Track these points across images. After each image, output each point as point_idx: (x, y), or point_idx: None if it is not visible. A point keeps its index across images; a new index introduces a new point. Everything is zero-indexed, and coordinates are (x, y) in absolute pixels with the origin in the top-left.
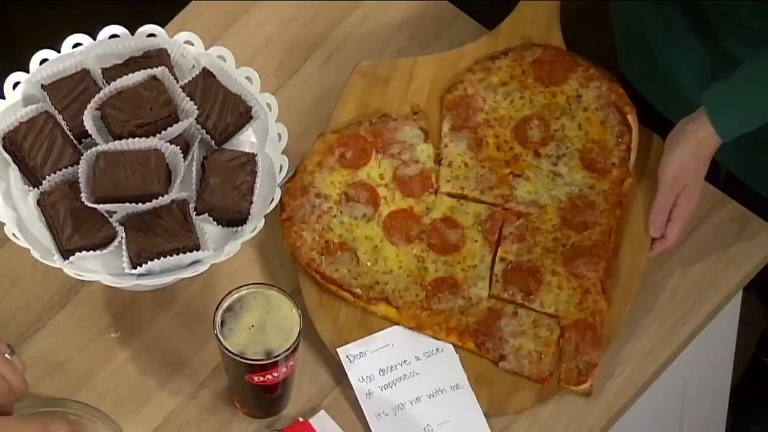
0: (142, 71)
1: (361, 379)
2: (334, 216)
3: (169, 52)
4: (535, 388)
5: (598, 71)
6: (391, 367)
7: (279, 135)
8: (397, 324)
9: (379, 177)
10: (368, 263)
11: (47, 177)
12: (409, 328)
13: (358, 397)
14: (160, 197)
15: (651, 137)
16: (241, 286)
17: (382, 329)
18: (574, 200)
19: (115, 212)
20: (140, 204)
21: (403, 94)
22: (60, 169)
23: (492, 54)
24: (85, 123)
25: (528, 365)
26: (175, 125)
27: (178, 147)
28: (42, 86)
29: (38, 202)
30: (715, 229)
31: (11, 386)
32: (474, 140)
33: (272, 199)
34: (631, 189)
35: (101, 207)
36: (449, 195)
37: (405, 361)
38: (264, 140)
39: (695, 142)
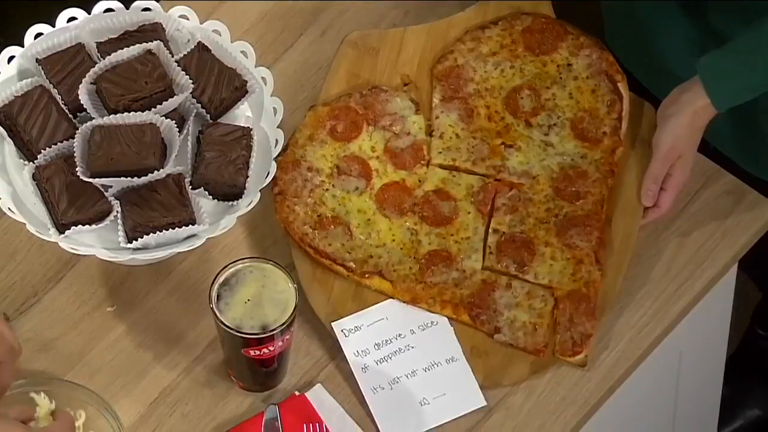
0: (137, 45)
1: (356, 353)
2: (327, 189)
3: (164, 26)
4: (530, 360)
5: (589, 39)
6: (386, 341)
7: (274, 109)
8: (392, 297)
9: (370, 149)
10: (361, 237)
11: (42, 151)
12: (404, 302)
13: (354, 372)
14: (156, 171)
15: (642, 105)
16: (236, 260)
17: (377, 303)
18: (566, 170)
19: (111, 186)
20: (136, 178)
21: (392, 64)
22: (55, 144)
23: (482, 23)
24: (80, 97)
25: (523, 337)
26: (170, 99)
27: (174, 121)
28: (37, 60)
29: (33, 177)
30: (711, 202)
31: (12, 346)
32: (465, 111)
33: (268, 174)
34: (623, 158)
35: (97, 181)
36: (441, 167)
37: (400, 335)
38: (259, 114)
39: (691, 113)
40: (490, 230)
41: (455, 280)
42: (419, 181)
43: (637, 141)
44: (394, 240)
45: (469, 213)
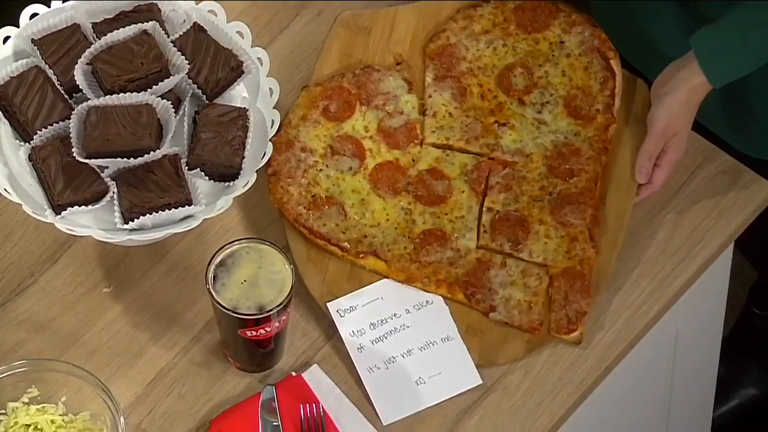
0: (133, 26)
1: (351, 334)
2: (320, 170)
3: (159, 6)
4: (525, 338)
5: (581, 17)
6: (382, 321)
7: (270, 89)
8: (386, 277)
9: (363, 129)
10: (356, 216)
11: (38, 132)
12: (399, 281)
13: (350, 352)
14: (152, 152)
15: (635, 82)
16: (233, 241)
17: (372, 283)
18: (559, 148)
19: (107, 167)
20: (132, 159)
21: (385, 44)
22: (51, 124)
23: (473, 2)
24: (75, 78)
25: (518, 315)
26: (166, 80)
27: (170, 102)
28: (32, 41)
29: (29, 157)
30: (707, 181)
31: None
32: (458, 89)
33: (264, 154)
34: (616, 135)
35: (93, 162)
36: (434, 146)
37: (395, 315)
38: (255, 95)
39: (687, 90)
40: (484, 209)
41: (450, 259)
42: (413, 160)
43: (631, 118)
44: (388, 219)
45: (463, 192)
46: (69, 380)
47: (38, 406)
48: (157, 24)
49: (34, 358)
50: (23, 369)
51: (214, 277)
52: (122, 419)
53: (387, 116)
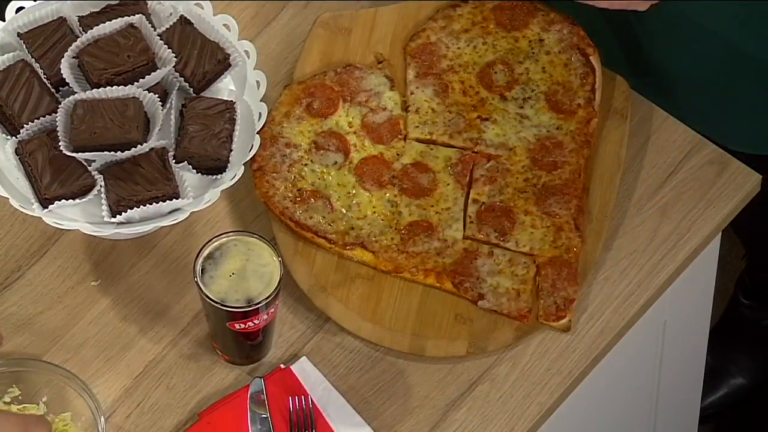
0: (119, 19)
1: None
2: (305, 165)
3: None
4: (514, 326)
5: (559, 15)
6: None
7: (257, 82)
8: (375, 268)
9: (347, 125)
10: (342, 209)
11: (25, 125)
12: (386, 272)
13: None
14: (139, 145)
15: (614, 78)
16: (221, 234)
17: (359, 273)
18: (542, 141)
19: (94, 161)
20: (119, 152)
21: (365, 44)
22: (38, 118)
23: (452, 2)
24: (62, 71)
25: (506, 303)
26: (153, 73)
27: (157, 95)
28: (18, 34)
29: (16, 151)
30: (694, 172)
31: None
32: (440, 86)
33: (251, 147)
34: (597, 129)
35: (80, 155)
36: (418, 140)
37: None
38: (242, 88)
39: None
40: (469, 200)
41: (437, 249)
42: (397, 154)
43: (610, 113)
44: (374, 212)
45: (448, 184)
46: (50, 380)
47: (19, 406)
48: (144, 17)
49: (15, 357)
50: (3, 368)
51: (202, 269)
52: (102, 419)
53: (370, 112)
